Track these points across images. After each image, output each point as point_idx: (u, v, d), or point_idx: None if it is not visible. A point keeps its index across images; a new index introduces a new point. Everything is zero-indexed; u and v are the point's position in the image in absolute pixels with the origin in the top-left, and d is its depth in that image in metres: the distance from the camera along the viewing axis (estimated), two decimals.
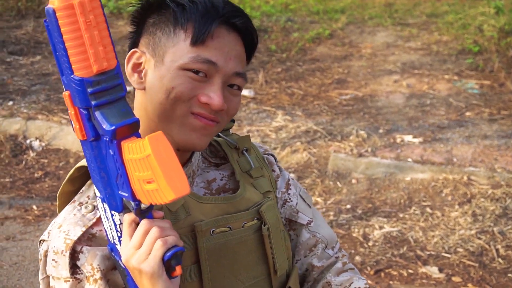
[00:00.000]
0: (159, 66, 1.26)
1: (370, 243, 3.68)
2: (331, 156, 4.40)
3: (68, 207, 1.28)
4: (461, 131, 4.73)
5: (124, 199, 1.15)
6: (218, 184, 1.40)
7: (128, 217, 1.16)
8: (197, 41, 1.24)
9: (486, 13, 6.89)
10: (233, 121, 1.51)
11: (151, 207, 1.16)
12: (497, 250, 3.59)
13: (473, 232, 3.73)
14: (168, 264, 1.14)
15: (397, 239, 3.71)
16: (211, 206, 1.32)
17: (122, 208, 1.16)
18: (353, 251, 3.61)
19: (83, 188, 1.29)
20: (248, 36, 1.31)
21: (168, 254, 1.14)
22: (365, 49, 6.55)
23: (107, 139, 1.11)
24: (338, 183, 4.22)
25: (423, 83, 5.67)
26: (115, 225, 1.19)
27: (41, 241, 1.28)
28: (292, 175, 4.28)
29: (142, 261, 1.14)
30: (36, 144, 4.80)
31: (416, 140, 4.58)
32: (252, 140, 1.56)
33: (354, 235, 3.74)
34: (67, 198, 1.33)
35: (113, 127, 1.10)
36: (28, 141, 4.82)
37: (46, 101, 5.29)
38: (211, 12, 1.26)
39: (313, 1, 8.19)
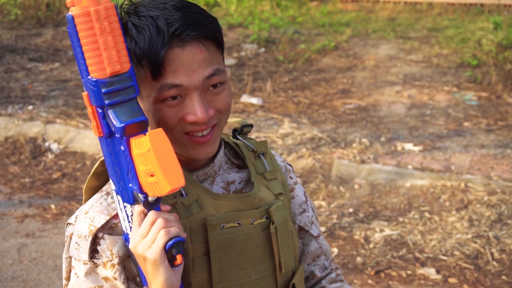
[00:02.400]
0: (142, 101, 1.28)
1: (371, 245, 3.73)
2: (335, 162, 4.44)
3: (96, 195, 1.33)
4: (459, 140, 4.77)
5: (134, 191, 1.20)
6: (236, 187, 1.44)
7: (138, 208, 1.21)
8: (156, 75, 1.24)
9: (485, 28, 6.94)
10: (251, 125, 1.55)
11: (158, 200, 1.20)
12: (491, 253, 3.64)
13: (469, 236, 3.77)
14: (170, 253, 1.19)
15: (396, 242, 3.75)
16: (224, 203, 1.36)
17: (133, 200, 1.21)
18: (354, 253, 3.66)
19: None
20: (206, 37, 1.27)
21: (169, 243, 1.18)
22: (368, 61, 6.59)
23: (119, 135, 1.17)
24: (341, 188, 4.27)
25: (424, 94, 5.72)
26: (127, 216, 1.25)
27: (68, 224, 1.33)
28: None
29: (147, 249, 1.18)
30: (54, 146, 4.86)
31: (416, 148, 4.63)
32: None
33: (356, 237, 3.79)
34: (93, 192, 1.38)
35: (122, 125, 1.16)
36: (47, 144, 4.89)
37: (64, 106, 5.35)
38: (157, 40, 1.23)
39: (319, 14, 8.25)
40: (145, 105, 1.28)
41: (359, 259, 3.61)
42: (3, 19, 7.53)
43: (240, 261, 1.38)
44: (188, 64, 1.25)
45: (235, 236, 1.37)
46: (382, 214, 4.00)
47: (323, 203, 4.12)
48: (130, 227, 1.25)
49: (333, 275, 1.58)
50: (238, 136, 1.50)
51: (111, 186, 1.29)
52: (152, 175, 1.14)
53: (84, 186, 1.40)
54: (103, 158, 1.34)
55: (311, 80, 6.04)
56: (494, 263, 3.56)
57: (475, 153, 4.55)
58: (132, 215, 1.24)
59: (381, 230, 3.85)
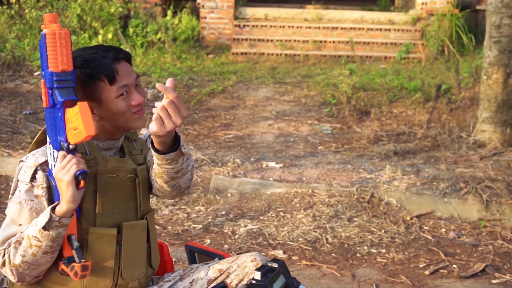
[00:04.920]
0: (101, 104, 2.01)
1: (236, 236, 4.48)
2: (213, 177, 5.21)
3: (40, 148, 2.05)
4: (312, 159, 5.64)
5: (62, 142, 1.90)
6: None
7: (61, 152, 1.90)
8: (112, 81, 2.00)
9: (343, 74, 7.95)
10: None
11: (75, 148, 1.91)
12: (326, 239, 4.45)
13: (311, 227, 4.58)
14: (77, 179, 1.87)
15: (256, 233, 4.52)
16: (110, 162, 2.09)
17: (59, 148, 1.91)
18: (223, 242, 4.40)
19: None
20: (128, 57, 2.08)
21: (77, 172, 1.85)
22: (249, 101, 7.42)
23: (59, 106, 1.88)
24: (217, 196, 5.03)
25: (291, 126, 6.60)
26: (54, 158, 1.93)
27: (20, 161, 2.03)
28: None
29: (64, 174, 1.85)
30: None
31: (278, 166, 5.46)
32: None
33: (225, 231, 4.54)
34: None
35: (63, 99, 1.87)
36: None
37: None
38: (106, 61, 2.00)
39: (213, 65, 9.08)
40: (107, 104, 1.98)
41: (226, 246, 4.35)
42: None
43: (115, 199, 2.09)
44: (126, 72, 2.00)
45: (114, 182, 2.08)
46: (247, 215, 4.78)
47: (202, 208, 4.87)
48: (54, 165, 1.93)
49: None
50: None
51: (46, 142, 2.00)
52: (75, 129, 1.85)
53: (28, 150, 2.11)
54: (42, 129, 2.07)
55: (200, 117, 6.82)
56: (328, 245, 4.38)
57: (323, 168, 5.42)
58: (57, 157, 1.92)
59: (245, 226, 4.61)
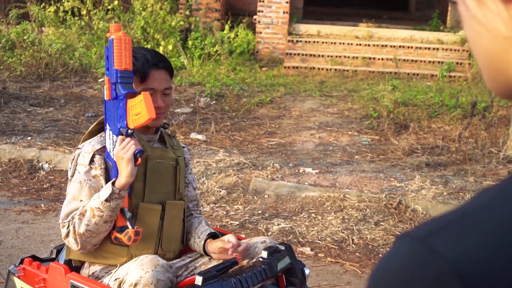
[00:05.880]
0: None
1: (269, 233, 4.78)
2: (252, 180, 5.53)
3: (96, 136, 2.41)
4: (347, 167, 5.90)
5: (121, 128, 2.24)
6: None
7: (121, 136, 2.25)
8: (142, 80, 2.36)
9: (386, 89, 8.17)
10: (169, 124, 2.70)
11: (132, 133, 2.25)
12: (352, 240, 4.71)
13: (340, 229, 4.84)
14: (135, 157, 2.21)
15: (288, 232, 4.82)
16: (156, 150, 2.45)
17: (118, 133, 2.25)
18: None
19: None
20: (168, 69, 2.43)
21: (136, 151, 2.22)
22: (294, 112, 7.74)
23: (121, 98, 2.23)
24: (255, 197, 5.35)
25: (331, 136, 6.87)
26: (113, 142, 2.28)
27: (77, 148, 2.38)
28: (223, 191, 5.42)
29: (124, 153, 2.20)
30: (46, 166, 5.89)
31: (314, 172, 5.74)
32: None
33: (259, 228, 4.86)
34: None
35: (126, 91, 2.23)
36: (40, 164, 5.92)
37: (55, 138, 6.42)
38: (146, 64, 2.36)
39: (264, 77, 9.43)
40: None
41: None
42: (10, 74, 8.62)
43: (159, 181, 2.45)
44: (158, 78, 2.32)
45: (159, 167, 2.44)
46: (281, 215, 5.08)
47: (240, 207, 5.19)
48: (113, 148, 2.27)
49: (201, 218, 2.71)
50: (161, 128, 2.61)
51: (104, 130, 2.35)
52: (137, 114, 2.19)
53: (81, 138, 2.48)
54: (97, 121, 2.45)
55: (247, 125, 7.16)
56: (353, 245, 4.64)
57: (356, 175, 5.67)
58: (116, 141, 2.26)
59: (278, 224, 4.91)
